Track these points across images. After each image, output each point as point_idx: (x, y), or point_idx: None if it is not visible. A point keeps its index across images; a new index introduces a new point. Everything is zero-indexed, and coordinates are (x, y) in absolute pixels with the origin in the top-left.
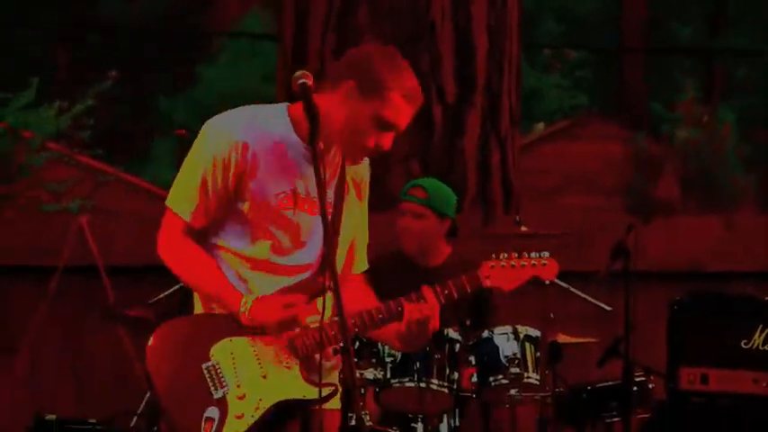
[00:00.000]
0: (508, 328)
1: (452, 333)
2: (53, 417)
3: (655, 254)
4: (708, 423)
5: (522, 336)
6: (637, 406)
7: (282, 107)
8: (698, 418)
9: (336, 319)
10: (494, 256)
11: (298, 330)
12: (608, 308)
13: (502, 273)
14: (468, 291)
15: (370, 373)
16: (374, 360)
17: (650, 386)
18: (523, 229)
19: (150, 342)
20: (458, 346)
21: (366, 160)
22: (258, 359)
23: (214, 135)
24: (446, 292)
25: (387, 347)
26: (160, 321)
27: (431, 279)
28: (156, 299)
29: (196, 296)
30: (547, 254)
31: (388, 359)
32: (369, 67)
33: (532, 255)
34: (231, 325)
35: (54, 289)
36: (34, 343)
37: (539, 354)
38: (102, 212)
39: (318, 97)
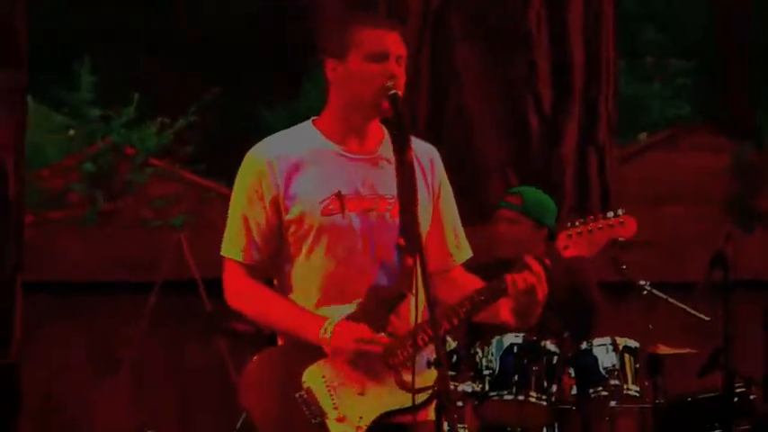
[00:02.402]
0: (607, 340)
1: (550, 345)
2: (153, 430)
3: (756, 263)
4: None
5: (621, 347)
6: (738, 417)
7: (307, 122)
8: None
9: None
10: (569, 224)
11: (389, 342)
12: (707, 318)
13: (580, 240)
14: (548, 263)
15: (468, 387)
16: (472, 373)
17: (751, 397)
18: (620, 237)
19: (243, 378)
20: (555, 358)
21: (430, 147)
22: (351, 377)
23: (242, 170)
24: (545, 260)
25: (486, 359)
26: (260, 335)
27: None
28: None
29: None
30: (621, 211)
31: (486, 372)
32: (330, 36)
33: (608, 214)
34: (318, 349)
35: (153, 304)
36: (136, 357)
37: (638, 365)
38: (206, 227)
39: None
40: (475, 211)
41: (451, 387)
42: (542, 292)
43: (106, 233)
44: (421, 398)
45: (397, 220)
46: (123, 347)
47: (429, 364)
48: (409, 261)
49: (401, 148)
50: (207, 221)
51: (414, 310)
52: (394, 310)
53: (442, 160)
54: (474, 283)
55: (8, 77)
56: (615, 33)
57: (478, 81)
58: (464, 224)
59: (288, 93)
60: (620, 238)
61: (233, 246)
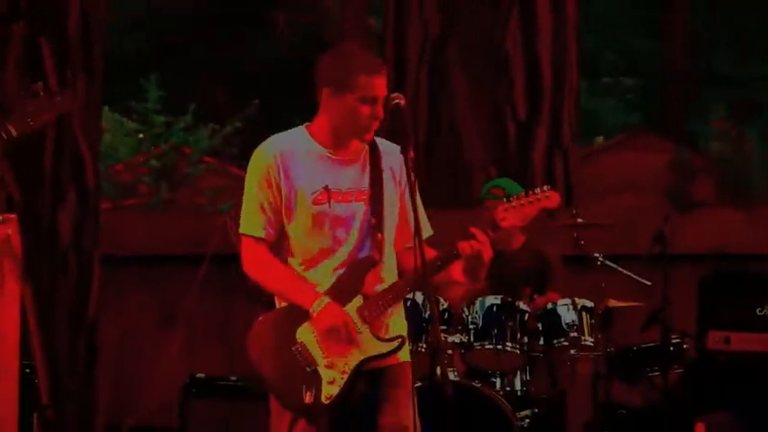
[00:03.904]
0: (568, 301)
1: (523, 305)
2: (203, 375)
3: (689, 240)
4: (730, 376)
5: (579, 306)
6: (673, 363)
7: (301, 127)
8: (722, 372)
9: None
10: (505, 199)
11: (362, 302)
12: (648, 283)
13: (514, 213)
14: (491, 233)
15: (456, 338)
16: (460, 327)
17: (684, 347)
18: (579, 220)
19: (250, 336)
20: (527, 315)
21: (396, 148)
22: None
23: (254, 163)
24: (488, 231)
25: (471, 316)
26: None
27: (507, 261)
28: None
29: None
30: (546, 187)
31: (471, 326)
32: (331, 70)
33: (536, 191)
34: (307, 312)
35: (204, 273)
36: (189, 317)
37: (593, 321)
38: None
39: (320, 112)
40: (465, 200)
41: (443, 338)
42: (487, 255)
43: (168, 217)
44: (392, 346)
45: (369, 207)
46: (180, 308)
47: (424, 321)
48: (378, 236)
49: (375, 154)
50: None
51: (384, 273)
52: (368, 274)
53: (438, 162)
54: (432, 253)
55: (87, 88)
56: (577, 57)
57: (467, 97)
58: (456, 210)
59: (313, 105)
60: (547, 208)
61: (253, 225)
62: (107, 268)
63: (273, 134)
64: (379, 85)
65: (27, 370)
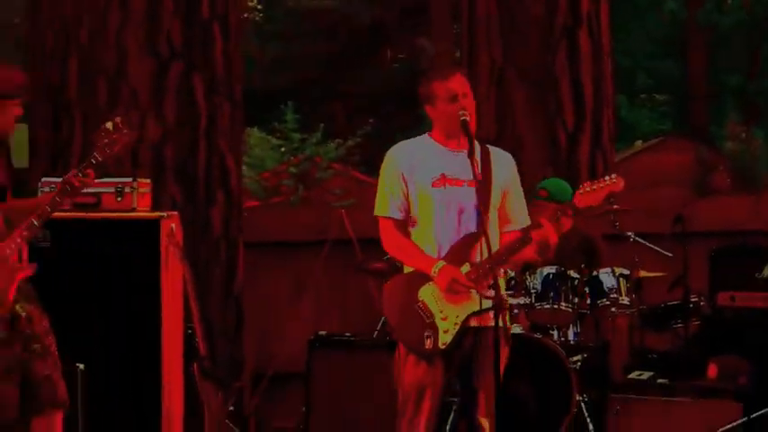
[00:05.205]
0: (609, 269)
1: (573, 273)
2: (324, 332)
3: (709, 220)
4: (736, 327)
5: (617, 274)
6: (692, 317)
7: (425, 135)
8: (729, 324)
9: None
10: (581, 185)
11: (470, 268)
12: (670, 254)
13: (588, 195)
14: (570, 213)
15: (521, 300)
16: (524, 291)
17: (701, 304)
18: (615, 206)
19: (383, 294)
20: (576, 281)
21: (508, 156)
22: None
23: (387, 161)
24: (555, 218)
25: (533, 283)
26: (392, 271)
27: (561, 241)
28: (388, 257)
29: None
30: (614, 174)
31: (532, 291)
32: (421, 91)
33: (605, 177)
34: (428, 276)
35: (326, 253)
36: (315, 288)
37: (628, 285)
38: (363, 207)
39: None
40: (525, 196)
41: (506, 299)
42: (553, 240)
43: (304, 211)
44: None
45: (479, 192)
46: (308, 281)
47: (490, 287)
48: (485, 216)
49: (486, 154)
50: (364, 203)
51: (486, 245)
52: (474, 246)
53: None
54: (516, 235)
55: (231, 113)
56: (612, 77)
57: (526, 113)
58: None
59: (415, 122)
60: (614, 191)
61: (386, 208)
62: (256, 252)
63: (385, 146)
64: (453, 85)
65: (189, 331)
